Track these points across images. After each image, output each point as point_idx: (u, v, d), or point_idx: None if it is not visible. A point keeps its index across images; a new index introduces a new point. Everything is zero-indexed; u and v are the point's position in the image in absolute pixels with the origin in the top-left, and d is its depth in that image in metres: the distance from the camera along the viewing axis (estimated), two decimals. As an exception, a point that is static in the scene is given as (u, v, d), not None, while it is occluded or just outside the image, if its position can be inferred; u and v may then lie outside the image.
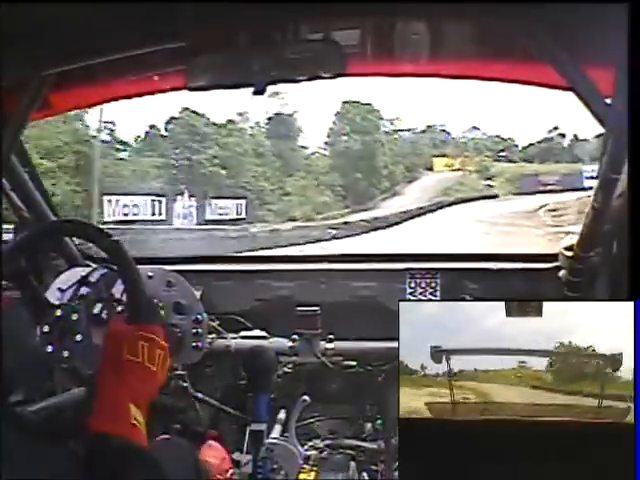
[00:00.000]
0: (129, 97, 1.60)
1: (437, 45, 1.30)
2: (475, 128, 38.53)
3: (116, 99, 1.61)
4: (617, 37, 0.91)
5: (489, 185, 29.87)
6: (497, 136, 38.29)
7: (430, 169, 33.18)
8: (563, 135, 37.29)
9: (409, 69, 1.48)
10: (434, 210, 23.50)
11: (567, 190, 24.64)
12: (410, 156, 33.01)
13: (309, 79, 1.15)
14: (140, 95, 1.57)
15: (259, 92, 1.18)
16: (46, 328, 1.01)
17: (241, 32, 1.16)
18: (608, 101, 1.08)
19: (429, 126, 38.72)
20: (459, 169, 32.12)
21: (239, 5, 1.01)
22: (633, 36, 0.89)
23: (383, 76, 1.56)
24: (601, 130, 1.10)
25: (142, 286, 0.96)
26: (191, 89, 1.24)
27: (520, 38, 1.10)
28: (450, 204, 25.05)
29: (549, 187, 28.20)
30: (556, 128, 37.47)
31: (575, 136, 36.36)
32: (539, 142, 37.69)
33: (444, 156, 34.15)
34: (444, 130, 38.90)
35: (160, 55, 1.21)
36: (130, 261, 0.98)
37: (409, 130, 36.75)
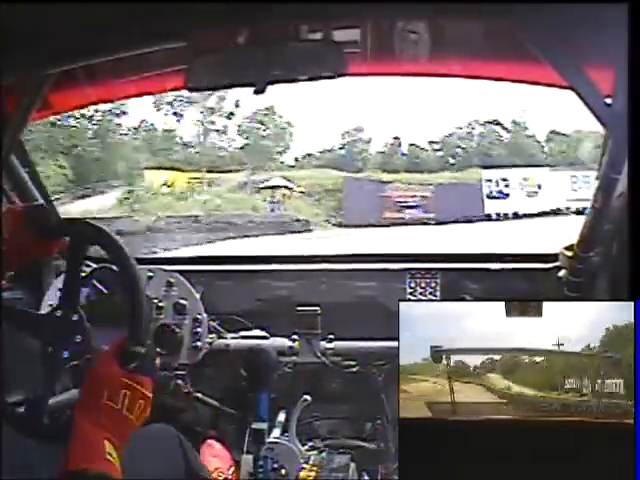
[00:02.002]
0: (129, 97, 1.61)
1: (438, 45, 1.30)
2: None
3: (116, 99, 1.61)
4: (617, 37, 0.91)
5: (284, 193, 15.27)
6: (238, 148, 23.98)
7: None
8: (368, 141, 26.30)
9: (409, 69, 1.48)
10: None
11: (464, 220, 13.52)
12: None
13: (309, 79, 1.15)
14: (140, 95, 1.58)
15: (259, 92, 1.18)
16: (46, 329, 1.01)
17: (241, 32, 1.16)
18: (608, 101, 1.08)
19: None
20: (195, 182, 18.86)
21: (239, 5, 1.01)
22: (633, 36, 0.89)
23: (383, 76, 1.56)
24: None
25: (143, 308, 0.95)
26: (191, 89, 1.24)
27: (520, 38, 1.10)
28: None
29: (408, 211, 14.14)
30: (358, 130, 26.17)
31: (397, 139, 25.95)
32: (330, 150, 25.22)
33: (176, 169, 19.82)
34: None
35: (160, 55, 1.21)
36: (131, 262, 0.97)
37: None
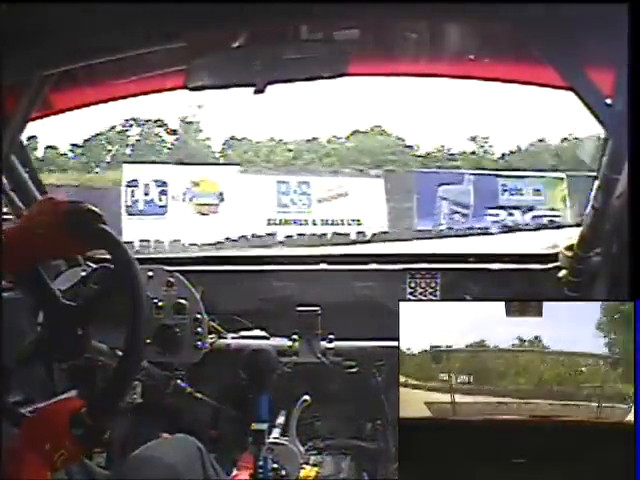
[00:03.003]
0: (129, 97, 1.60)
1: (437, 45, 1.30)
2: None
3: (116, 99, 1.61)
4: (617, 37, 0.91)
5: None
6: None
7: None
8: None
9: (409, 69, 1.48)
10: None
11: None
12: None
13: (309, 79, 1.16)
14: (140, 95, 1.58)
15: (259, 92, 1.18)
16: (46, 317, 1.01)
17: (241, 32, 1.16)
18: (608, 101, 1.08)
19: None
20: None
21: (239, 5, 1.01)
22: (633, 36, 0.89)
23: (383, 76, 1.56)
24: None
25: (143, 307, 0.95)
26: (191, 89, 1.25)
27: (520, 39, 1.10)
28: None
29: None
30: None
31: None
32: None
33: None
34: None
35: (160, 55, 1.21)
36: (132, 261, 0.97)
37: None
